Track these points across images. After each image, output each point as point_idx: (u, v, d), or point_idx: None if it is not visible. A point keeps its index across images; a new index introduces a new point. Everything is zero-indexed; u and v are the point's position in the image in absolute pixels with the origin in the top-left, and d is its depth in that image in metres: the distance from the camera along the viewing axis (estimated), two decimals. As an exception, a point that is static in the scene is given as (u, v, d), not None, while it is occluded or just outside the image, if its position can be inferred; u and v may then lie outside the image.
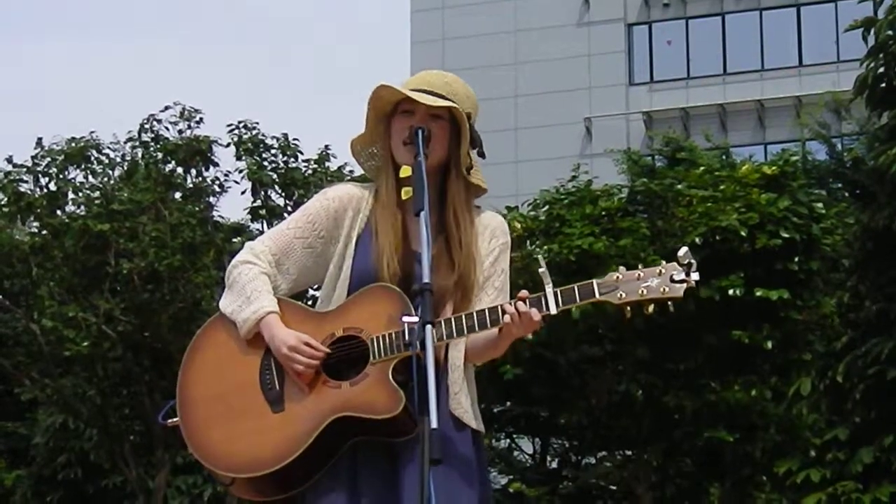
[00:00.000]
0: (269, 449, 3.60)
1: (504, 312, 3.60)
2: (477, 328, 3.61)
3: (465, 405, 3.74)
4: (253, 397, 3.69)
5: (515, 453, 22.07)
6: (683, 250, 3.57)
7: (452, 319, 3.62)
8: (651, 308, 3.59)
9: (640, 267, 3.65)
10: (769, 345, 16.78)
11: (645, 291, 3.56)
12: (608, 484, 21.48)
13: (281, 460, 3.58)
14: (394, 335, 3.59)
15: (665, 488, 18.70)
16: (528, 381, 17.71)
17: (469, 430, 3.76)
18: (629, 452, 19.21)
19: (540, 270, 3.63)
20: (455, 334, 3.62)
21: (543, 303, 3.58)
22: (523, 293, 3.62)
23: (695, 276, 3.54)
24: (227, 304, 3.81)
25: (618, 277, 3.59)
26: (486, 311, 3.63)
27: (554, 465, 22.37)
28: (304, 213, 3.90)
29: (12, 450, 25.04)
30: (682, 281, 3.54)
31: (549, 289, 3.58)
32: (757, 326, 16.90)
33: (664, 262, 3.61)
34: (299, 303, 3.85)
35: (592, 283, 3.60)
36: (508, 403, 19.79)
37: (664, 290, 3.55)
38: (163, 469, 20.83)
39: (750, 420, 17.53)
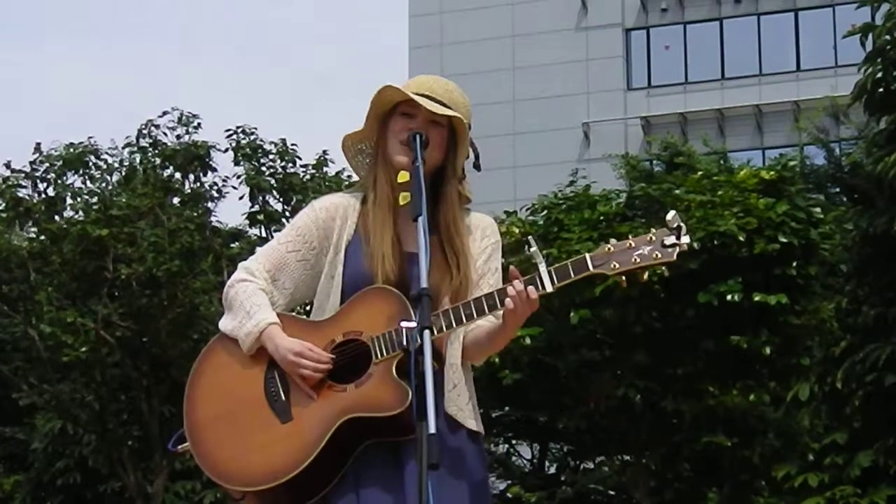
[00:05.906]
0: (282, 458, 3.59)
1: (505, 295, 3.56)
2: (476, 315, 3.60)
3: (461, 404, 3.72)
4: (260, 411, 3.68)
5: (514, 458, 22.05)
6: (671, 214, 3.56)
7: (450, 309, 3.60)
8: (646, 275, 3.57)
9: (630, 237, 3.62)
10: (767, 350, 16.76)
11: (638, 259, 3.54)
12: (607, 489, 21.48)
13: (295, 468, 3.56)
14: (394, 333, 3.58)
15: (664, 493, 18.67)
16: (526, 385, 17.67)
17: (465, 430, 3.73)
18: (628, 457, 19.18)
19: (531, 250, 3.60)
20: (454, 323, 3.60)
21: (538, 282, 3.56)
22: (515, 272, 3.59)
23: (685, 239, 3.52)
24: (227, 322, 3.81)
25: (609, 249, 3.57)
26: (483, 297, 3.61)
27: (552, 469, 22.36)
28: (294, 227, 3.89)
29: (11, 455, 25.01)
30: (673, 245, 3.52)
31: (542, 267, 3.57)
32: (755, 331, 16.87)
33: (654, 230, 3.59)
34: (297, 315, 3.85)
35: (585, 256, 3.58)
36: (507, 408, 19.78)
37: (657, 255, 3.53)
38: (161, 474, 20.81)
39: (748, 425, 17.52)
